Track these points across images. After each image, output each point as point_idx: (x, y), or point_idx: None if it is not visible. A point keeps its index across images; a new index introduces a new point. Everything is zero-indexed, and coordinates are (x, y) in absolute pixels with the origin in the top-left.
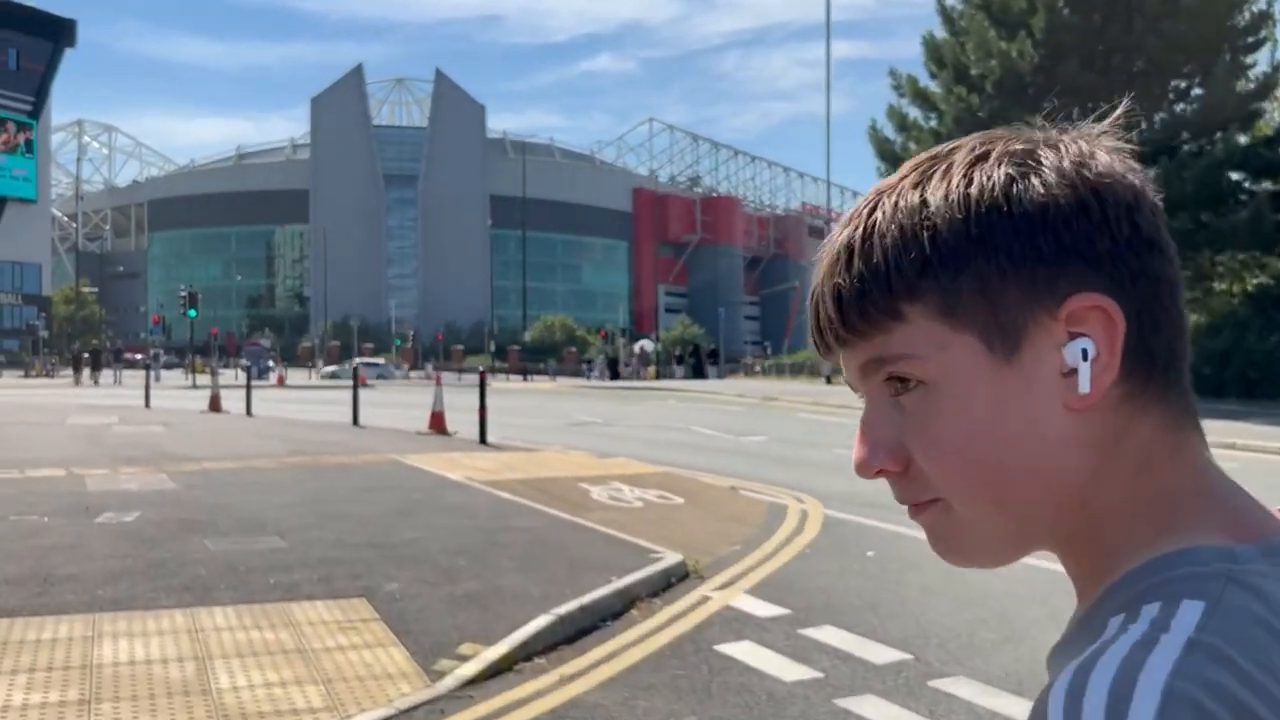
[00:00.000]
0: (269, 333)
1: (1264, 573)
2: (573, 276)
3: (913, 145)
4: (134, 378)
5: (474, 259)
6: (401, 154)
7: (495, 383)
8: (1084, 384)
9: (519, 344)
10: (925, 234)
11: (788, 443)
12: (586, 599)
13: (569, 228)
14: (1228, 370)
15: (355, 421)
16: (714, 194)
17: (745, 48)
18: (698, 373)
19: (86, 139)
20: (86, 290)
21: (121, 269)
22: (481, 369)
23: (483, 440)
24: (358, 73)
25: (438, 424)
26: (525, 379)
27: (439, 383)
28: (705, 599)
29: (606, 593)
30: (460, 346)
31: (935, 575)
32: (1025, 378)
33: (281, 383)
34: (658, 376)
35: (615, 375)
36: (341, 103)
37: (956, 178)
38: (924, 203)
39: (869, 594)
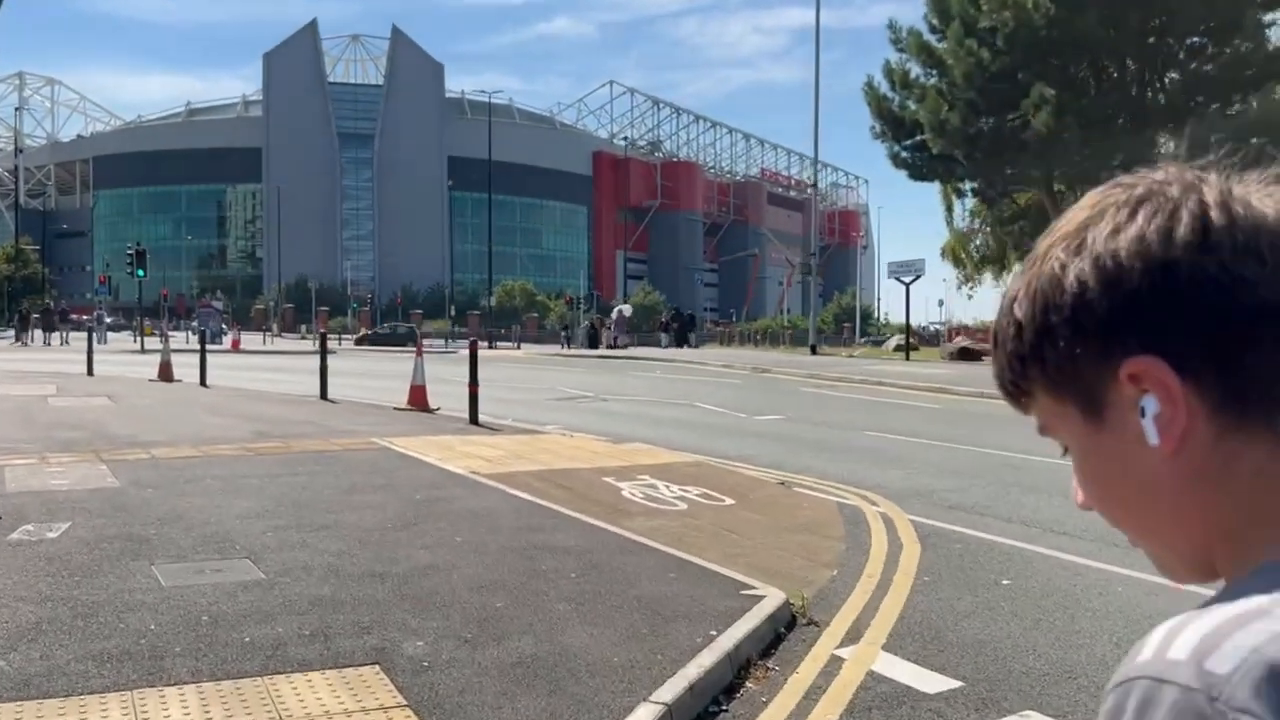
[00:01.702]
0: (220, 294)
1: None
2: (532, 241)
3: (912, 104)
4: (82, 340)
5: (431, 221)
6: (357, 112)
7: (464, 351)
8: (1151, 437)
9: (479, 309)
10: (1013, 330)
11: (808, 423)
12: (691, 670)
13: (528, 191)
14: None
15: (324, 395)
16: (674, 159)
17: (703, 14)
18: (681, 341)
19: (28, 92)
20: (29, 248)
21: (66, 227)
22: (472, 338)
23: (474, 420)
24: (312, 28)
25: (418, 399)
26: (491, 346)
27: (420, 353)
28: (836, 660)
29: (714, 661)
30: (419, 311)
31: (1113, 617)
32: (1116, 435)
33: (236, 347)
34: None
35: (595, 344)
36: (295, 59)
37: (1033, 268)
38: (1015, 299)
39: (1052, 653)
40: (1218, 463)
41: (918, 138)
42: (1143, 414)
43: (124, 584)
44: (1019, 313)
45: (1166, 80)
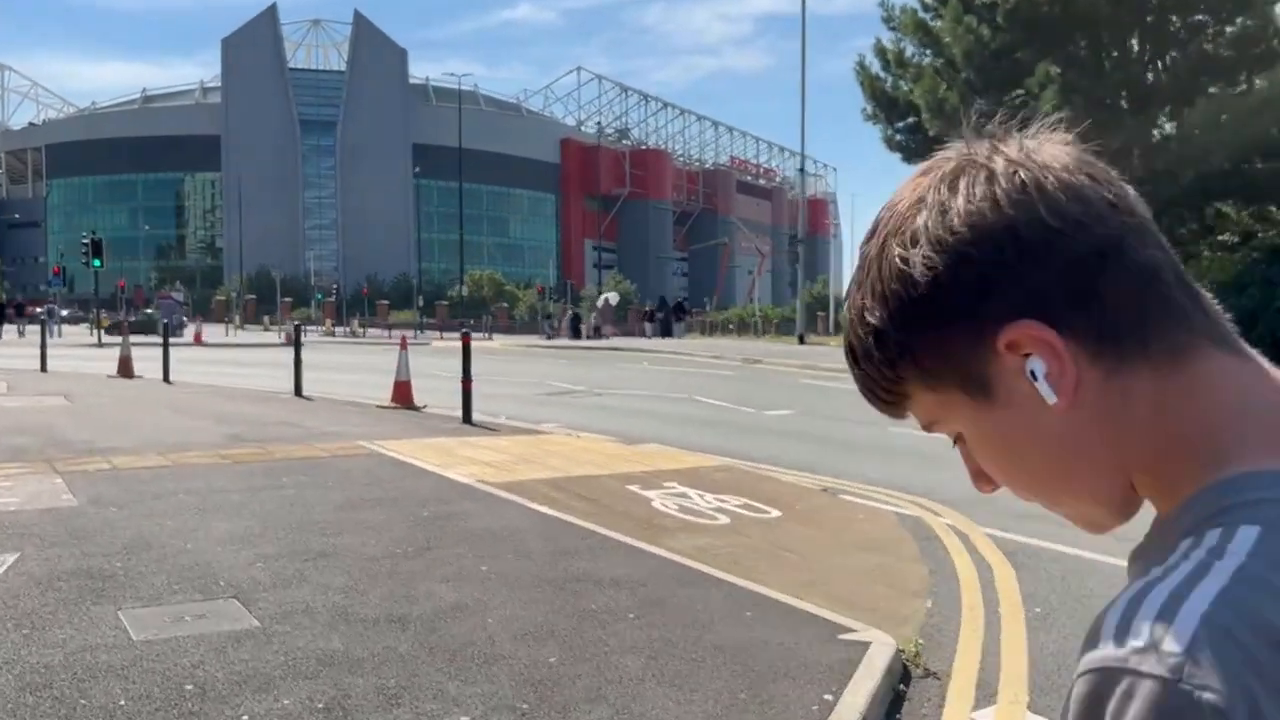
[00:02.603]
0: (180, 286)
1: None
2: (499, 230)
3: (905, 85)
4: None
5: (396, 210)
6: (319, 99)
7: (437, 342)
8: (1049, 396)
9: (447, 299)
10: (873, 339)
11: (822, 417)
12: None
13: (496, 179)
14: (1254, 330)
15: (298, 391)
16: (643, 146)
17: (668, 1)
18: (665, 330)
19: None
20: None
21: (18, 217)
22: (465, 331)
23: (467, 419)
24: (271, 13)
25: (403, 395)
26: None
27: (404, 346)
28: None
29: None
30: (385, 301)
31: None
32: (1010, 407)
33: (199, 340)
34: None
35: (577, 334)
36: (254, 44)
37: (872, 272)
38: (864, 307)
39: None
40: (1114, 402)
41: (910, 119)
42: (1033, 377)
43: (85, 638)
44: (874, 320)
45: (1169, 59)
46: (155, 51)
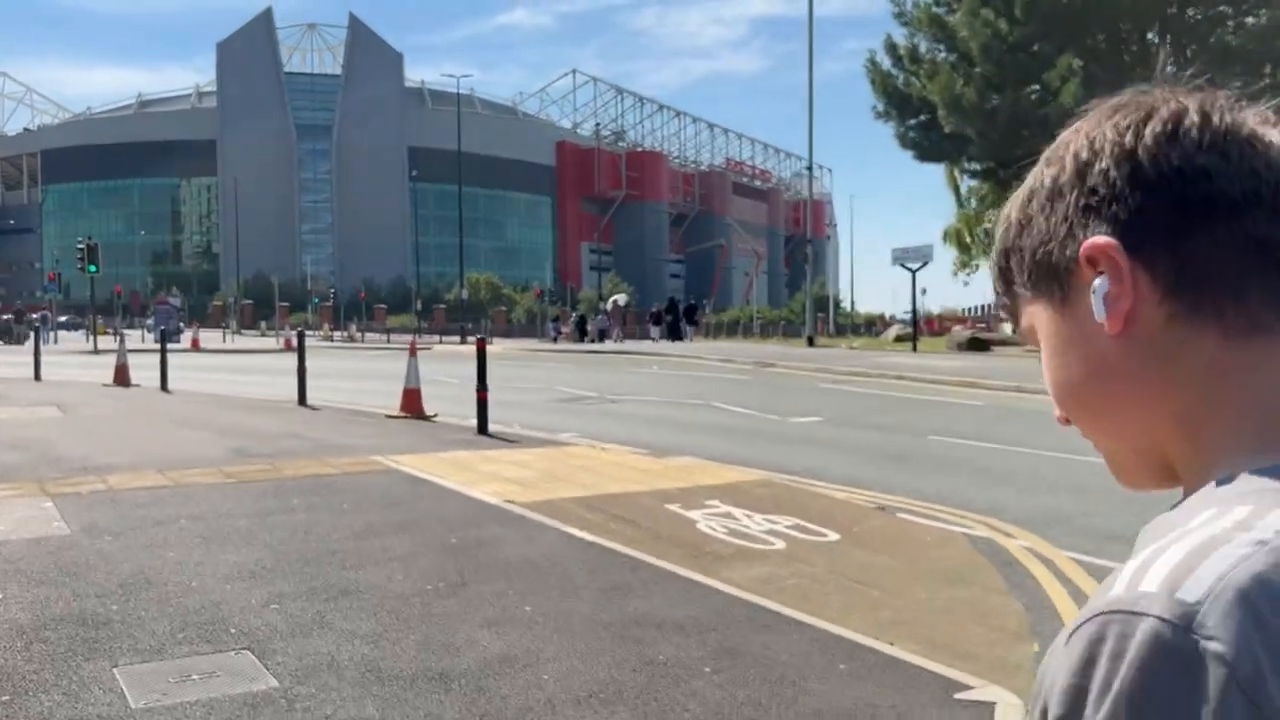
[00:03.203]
0: (176, 291)
1: None
2: (496, 233)
3: (918, 81)
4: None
5: (392, 214)
6: (314, 103)
7: (438, 346)
8: (1099, 313)
9: (444, 303)
10: (1006, 225)
11: (854, 425)
12: None
13: (492, 182)
14: None
15: (302, 400)
16: (639, 148)
17: (662, 4)
18: (674, 333)
19: None
20: None
21: (13, 223)
22: (480, 336)
23: (483, 429)
24: (267, 17)
25: (413, 404)
26: (463, 341)
27: (414, 352)
28: None
29: None
30: (382, 305)
31: None
32: (1078, 319)
33: (196, 346)
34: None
35: (583, 337)
36: (250, 48)
37: (1025, 178)
38: (1013, 198)
39: None
40: (1168, 347)
41: (923, 117)
42: (1093, 291)
43: (74, 707)
44: (1010, 211)
45: (1189, 52)
46: (149, 57)
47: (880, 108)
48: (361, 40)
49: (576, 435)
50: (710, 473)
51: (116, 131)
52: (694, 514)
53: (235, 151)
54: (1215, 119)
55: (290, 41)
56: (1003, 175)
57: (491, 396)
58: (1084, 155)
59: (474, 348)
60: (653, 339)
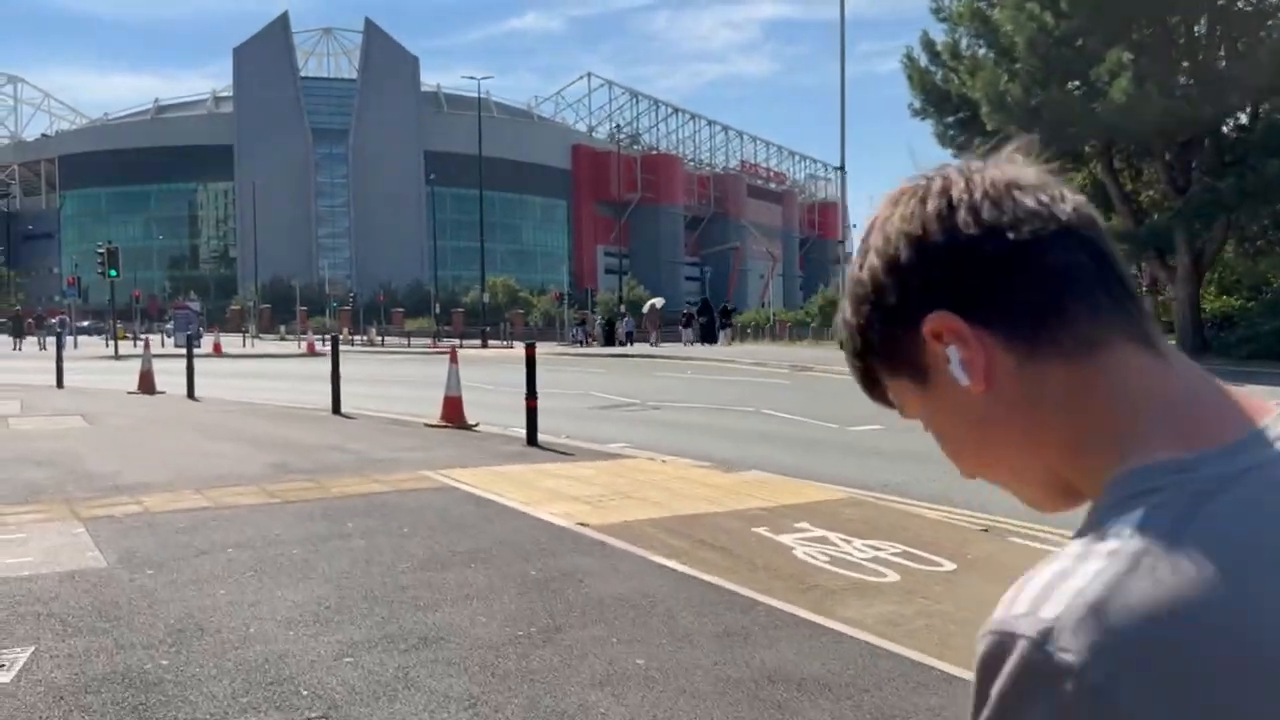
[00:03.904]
0: (194, 295)
1: (1211, 478)
2: (512, 236)
3: (956, 77)
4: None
5: (409, 218)
6: (330, 107)
7: (463, 351)
8: (962, 379)
9: (462, 306)
10: (847, 334)
11: (918, 432)
12: None
13: (508, 185)
14: None
15: (336, 408)
16: (654, 151)
17: (674, 8)
18: (708, 336)
19: None
20: None
21: (32, 228)
22: (528, 342)
23: (532, 440)
24: (283, 21)
25: (454, 413)
26: (484, 345)
27: (455, 359)
28: None
29: None
30: (400, 309)
31: None
32: (942, 391)
33: (218, 351)
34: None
35: (610, 340)
36: (266, 53)
37: (847, 282)
38: (843, 310)
39: None
40: (1028, 388)
41: (962, 114)
42: (949, 362)
43: None
44: (849, 317)
45: (1239, 45)
46: (166, 63)
47: (917, 105)
48: (377, 44)
49: (628, 445)
50: (788, 490)
51: (134, 137)
52: (786, 539)
53: (252, 156)
54: (977, 180)
55: (306, 46)
56: None
57: (522, 402)
58: (888, 251)
59: (499, 352)
60: (684, 342)
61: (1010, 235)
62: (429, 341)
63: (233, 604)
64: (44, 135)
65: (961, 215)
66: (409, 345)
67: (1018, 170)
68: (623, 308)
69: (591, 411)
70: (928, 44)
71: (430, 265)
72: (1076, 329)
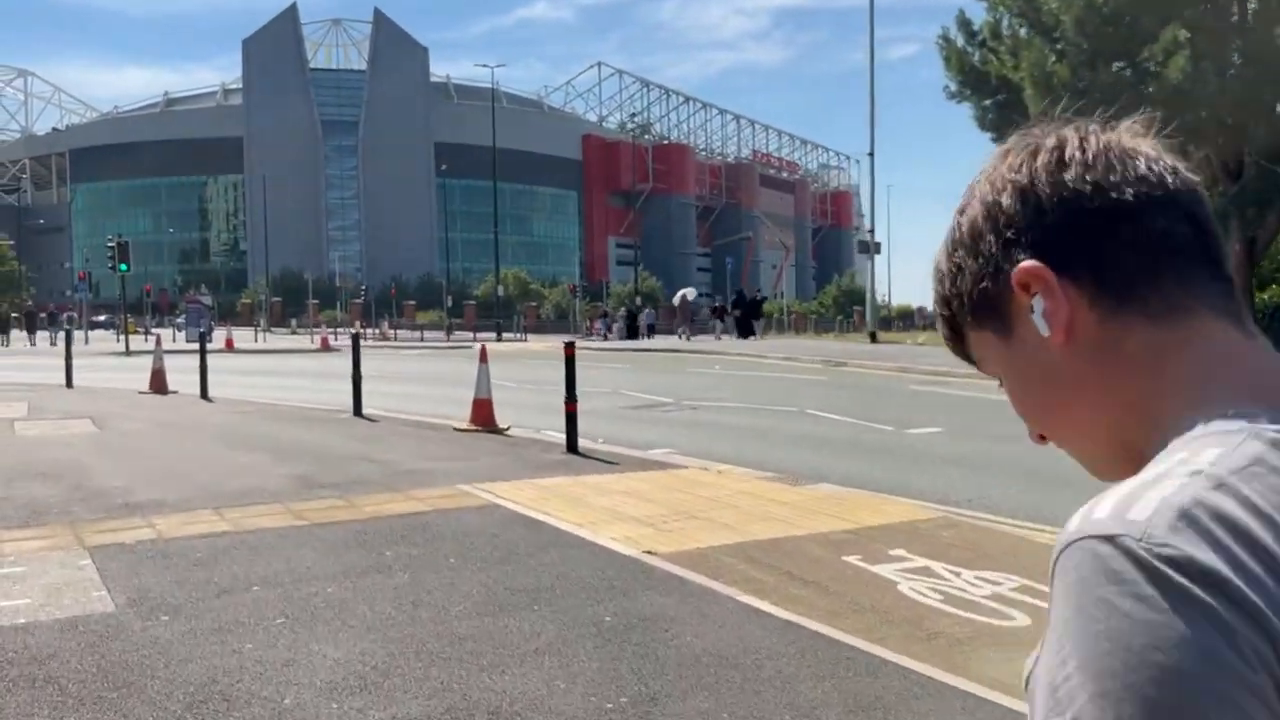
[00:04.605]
0: (205, 289)
1: None
2: (523, 228)
3: (995, 58)
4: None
5: (419, 210)
6: (340, 99)
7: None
8: (1042, 329)
9: (474, 299)
10: (938, 282)
11: (984, 437)
12: None
13: (518, 176)
14: None
15: (358, 410)
16: (665, 141)
17: None
18: (744, 330)
19: None
20: (4, 244)
21: (42, 222)
22: (568, 341)
23: (572, 448)
24: (291, 13)
25: (484, 416)
26: (499, 338)
27: (484, 359)
28: None
29: None
30: (412, 302)
31: None
32: (1022, 342)
33: (231, 346)
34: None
35: (633, 333)
36: (275, 45)
37: (946, 231)
38: (938, 258)
39: None
40: (1107, 344)
41: (1000, 97)
42: (1033, 311)
43: None
44: (940, 263)
45: None
46: (175, 56)
47: (953, 87)
48: (386, 35)
49: (672, 451)
50: (867, 507)
51: (144, 130)
52: (885, 571)
53: (262, 148)
54: (1093, 141)
55: (315, 37)
56: None
57: (555, 402)
58: (989, 198)
59: (516, 346)
60: (715, 336)
61: (1114, 195)
62: (442, 335)
63: (262, 663)
64: (54, 129)
65: (1073, 171)
66: (422, 339)
67: (1134, 139)
68: (639, 299)
69: (624, 412)
70: (964, 24)
71: (441, 257)
72: (1164, 294)
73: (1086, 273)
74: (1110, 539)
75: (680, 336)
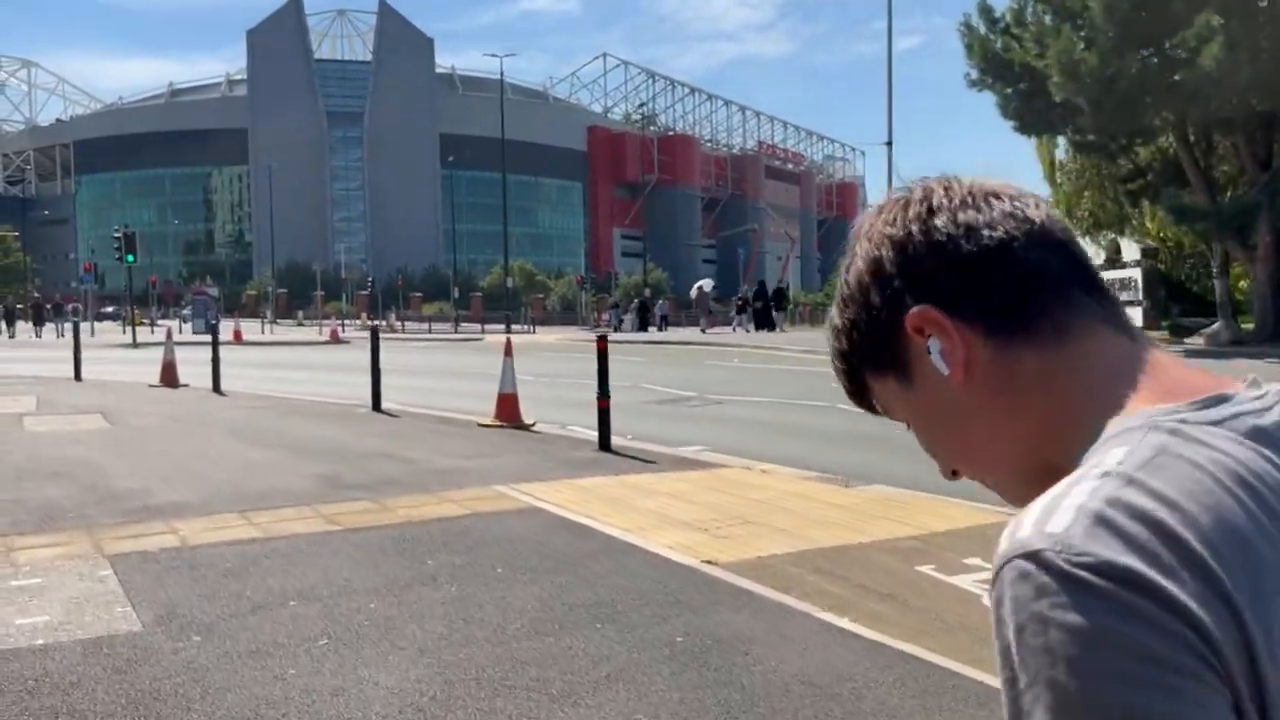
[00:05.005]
0: (211, 280)
1: (1186, 419)
2: (528, 219)
3: (1019, 46)
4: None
5: (424, 201)
6: (345, 90)
7: (492, 337)
8: (942, 369)
9: (480, 290)
10: (833, 335)
11: None
12: None
13: (523, 168)
14: None
15: (376, 405)
16: (670, 132)
17: None
18: (766, 322)
19: (3, 75)
20: (9, 236)
21: (47, 213)
22: (600, 334)
23: (605, 445)
24: (296, 3)
25: (509, 412)
26: (507, 330)
27: (509, 352)
28: None
29: None
30: (418, 294)
31: None
32: (924, 384)
33: (239, 339)
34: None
35: (644, 325)
36: (279, 35)
37: (841, 281)
38: (831, 313)
39: None
40: (1005, 375)
41: (1023, 85)
42: (930, 353)
43: None
44: (835, 320)
45: None
46: (180, 47)
47: (975, 75)
48: (391, 26)
49: (705, 449)
50: (928, 511)
51: (148, 121)
52: (962, 582)
53: (266, 140)
54: (956, 187)
55: (320, 28)
56: (1113, 148)
57: (574, 396)
58: (871, 254)
59: (526, 338)
60: (734, 327)
61: (985, 234)
62: (449, 326)
63: (308, 692)
64: (58, 120)
65: (942, 217)
66: (430, 331)
67: (995, 182)
68: (648, 291)
69: (649, 407)
70: (985, 11)
71: (446, 249)
72: (1051, 319)
73: (973, 310)
74: (1032, 555)
75: (702, 329)
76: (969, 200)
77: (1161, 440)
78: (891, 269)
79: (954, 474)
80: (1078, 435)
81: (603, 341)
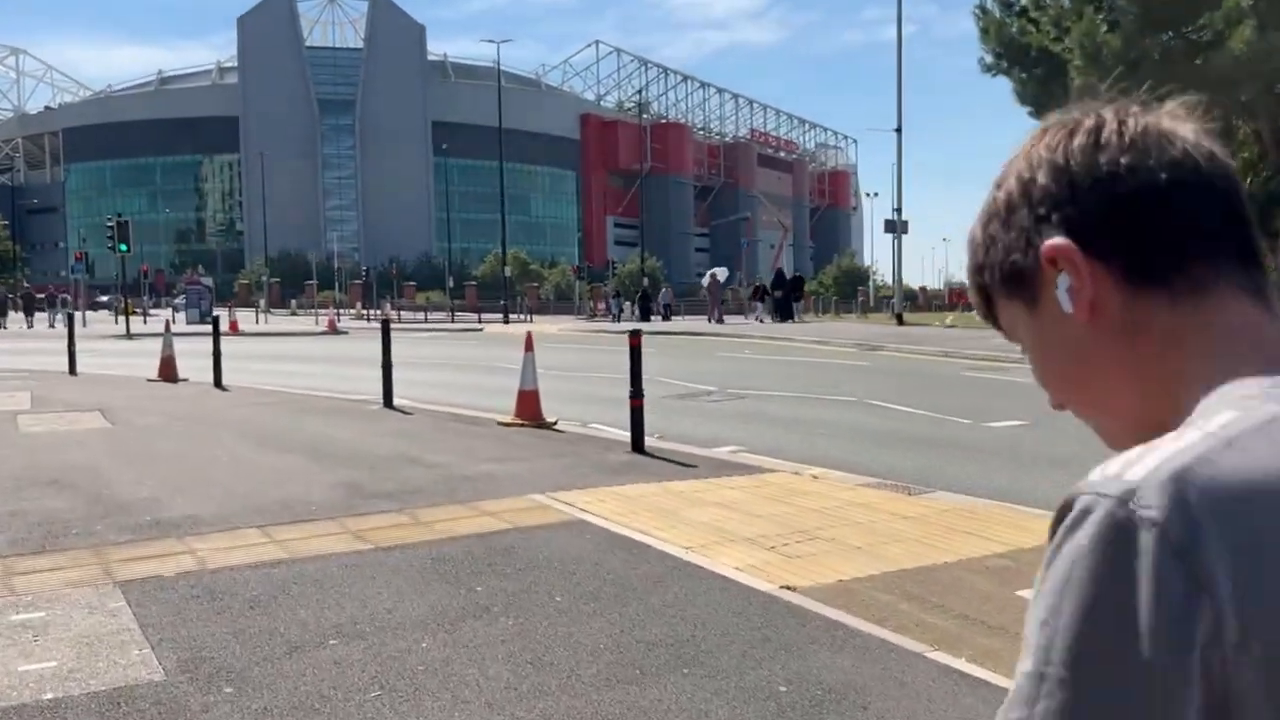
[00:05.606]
0: (203, 269)
1: None
2: (520, 208)
3: (1036, 30)
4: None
5: (417, 189)
6: (337, 77)
7: (491, 328)
8: (1065, 305)
9: (474, 279)
10: (971, 250)
11: (1065, 432)
12: None
13: (516, 156)
14: None
15: (388, 402)
16: (663, 120)
17: None
18: (785, 312)
19: None
20: None
21: (36, 202)
22: (634, 330)
23: (639, 447)
24: None
25: (531, 410)
26: (505, 320)
27: (530, 347)
28: None
29: None
30: (412, 283)
31: None
32: (1048, 314)
33: (236, 330)
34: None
35: (645, 315)
36: (270, 22)
37: (989, 197)
38: (971, 229)
39: None
40: (1131, 325)
41: (1039, 70)
42: (1057, 288)
43: None
44: (975, 233)
45: None
46: (169, 34)
47: (990, 60)
48: (383, 13)
49: (740, 449)
50: (1005, 521)
51: (138, 109)
52: None
53: (258, 128)
54: (1130, 124)
55: (311, 15)
56: None
57: (588, 390)
58: (1025, 175)
59: (525, 328)
60: (750, 317)
61: (1147, 178)
62: (445, 316)
63: None
64: (47, 108)
65: (1108, 154)
66: (425, 321)
67: (1174, 122)
68: (646, 280)
69: (670, 402)
70: None
71: (440, 237)
72: (1190, 276)
73: (1114, 254)
74: (1104, 496)
75: (712, 321)
76: (1138, 139)
77: (1274, 411)
78: (1041, 195)
79: (1060, 406)
80: (1192, 400)
81: (636, 338)
